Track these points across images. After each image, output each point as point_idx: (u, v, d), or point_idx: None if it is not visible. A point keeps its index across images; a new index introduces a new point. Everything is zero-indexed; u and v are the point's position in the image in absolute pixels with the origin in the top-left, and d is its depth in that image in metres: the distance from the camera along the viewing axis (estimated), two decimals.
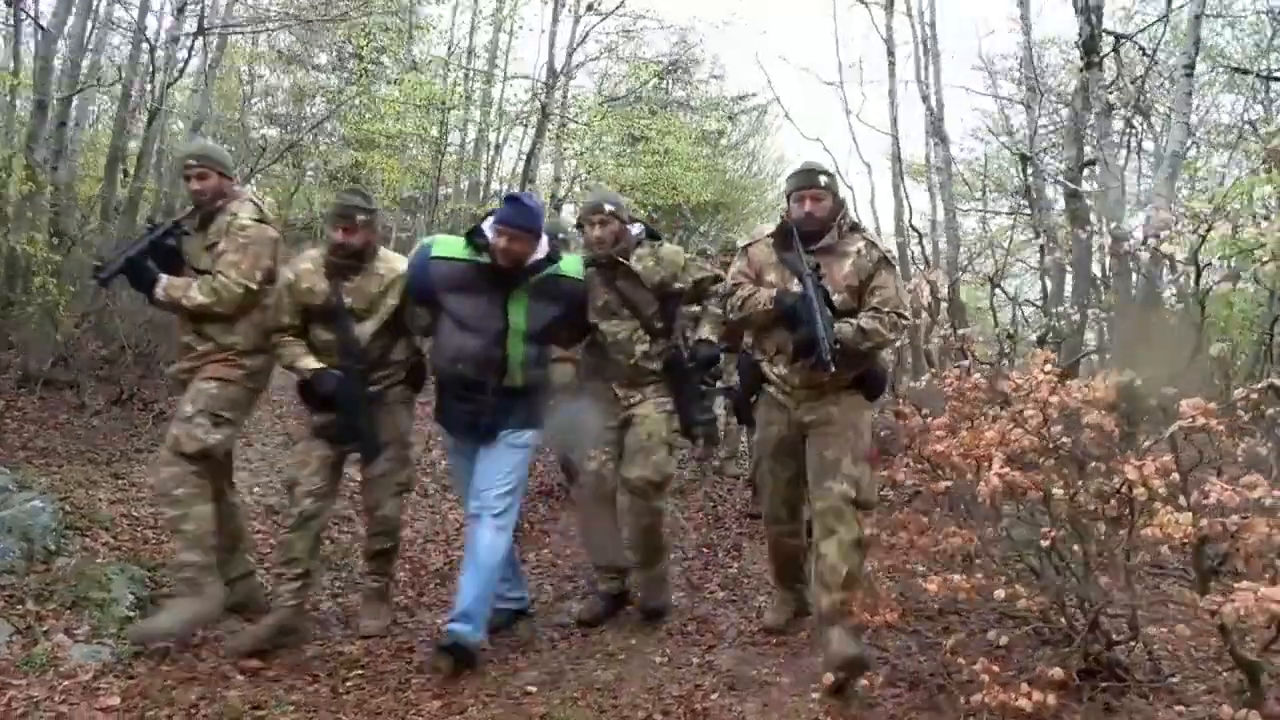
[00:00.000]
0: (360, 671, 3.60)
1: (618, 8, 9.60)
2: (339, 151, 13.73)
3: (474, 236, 3.65)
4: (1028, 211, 8.79)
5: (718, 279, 4.06)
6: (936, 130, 8.76)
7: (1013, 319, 8.04)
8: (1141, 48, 7.94)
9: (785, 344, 3.52)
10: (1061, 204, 7.81)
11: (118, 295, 6.78)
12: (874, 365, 3.65)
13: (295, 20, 8.63)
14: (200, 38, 7.33)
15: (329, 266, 3.83)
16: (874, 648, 3.82)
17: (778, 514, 3.96)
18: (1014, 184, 8.87)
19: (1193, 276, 4.22)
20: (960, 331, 5.01)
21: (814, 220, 3.54)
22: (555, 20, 8.88)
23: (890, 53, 8.50)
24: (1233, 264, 4.12)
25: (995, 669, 2.73)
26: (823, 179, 3.57)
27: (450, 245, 3.75)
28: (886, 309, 3.45)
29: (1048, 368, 2.79)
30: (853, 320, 3.40)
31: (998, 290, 8.30)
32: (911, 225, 8.40)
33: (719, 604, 4.57)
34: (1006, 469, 2.69)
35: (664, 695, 3.46)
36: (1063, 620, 3.22)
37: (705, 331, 3.96)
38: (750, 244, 3.78)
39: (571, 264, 3.87)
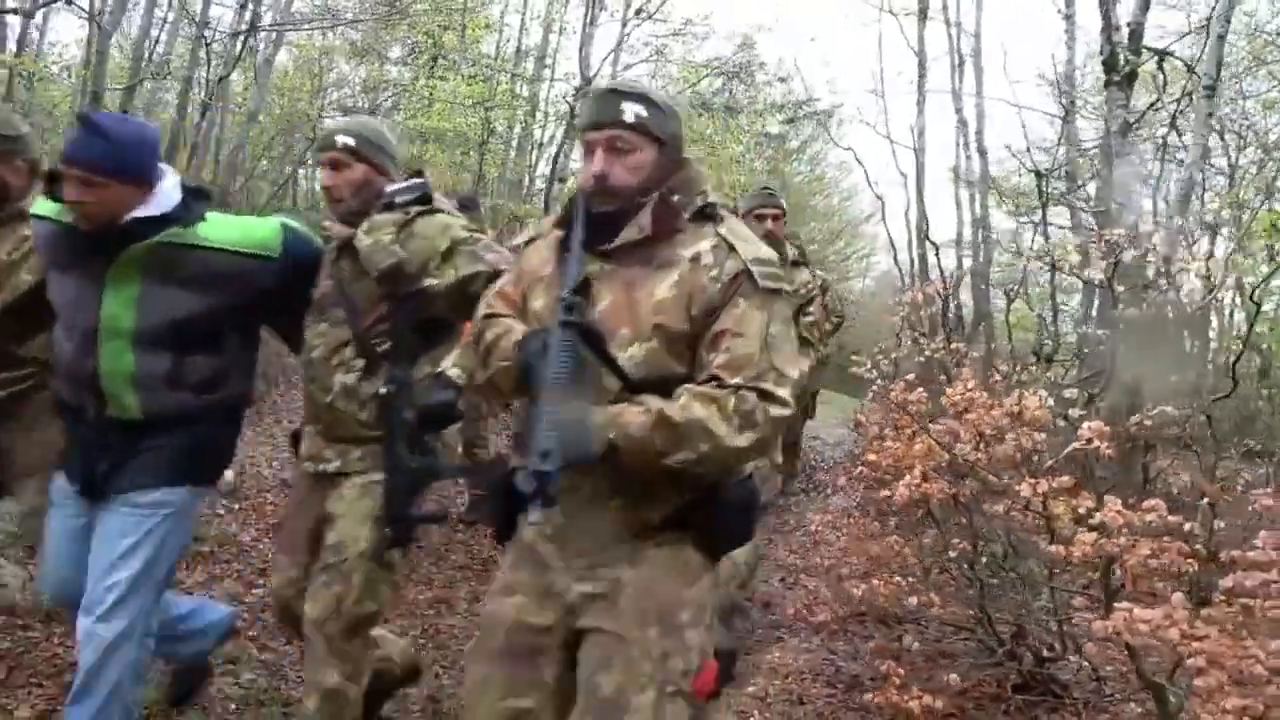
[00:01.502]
0: None
1: (655, 13, 9.76)
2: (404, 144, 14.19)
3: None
4: (1063, 226, 8.68)
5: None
6: (977, 142, 8.73)
7: (1039, 335, 7.95)
8: (1188, 65, 7.77)
9: None
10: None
11: None
12: (726, 488, 1.77)
13: (344, 21, 9.01)
14: (254, 34, 7.74)
15: None
16: (826, 649, 3.96)
17: None
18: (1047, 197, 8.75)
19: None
20: (954, 345, 5.03)
21: (607, 188, 1.75)
22: (588, 24, 9.05)
23: (921, 64, 8.48)
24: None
25: (900, 672, 2.82)
26: (627, 106, 1.72)
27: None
28: (735, 379, 1.64)
29: (971, 384, 2.85)
30: (651, 401, 1.63)
31: (1029, 306, 8.24)
32: (929, 237, 8.37)
33: None
34: (919, 480, 2.77)
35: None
36: (993, 633, 3.29)
37: (451, 362, 2.28)
38: (531, 239, 2.00)
39: (225, 226, 2.47)
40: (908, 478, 2.80)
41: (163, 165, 2.41)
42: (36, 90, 8.09)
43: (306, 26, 9.55)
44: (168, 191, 2.36)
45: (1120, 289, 3.55)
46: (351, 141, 2.44)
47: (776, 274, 1.71)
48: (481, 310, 1.93)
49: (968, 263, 8.94)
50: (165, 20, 8.91)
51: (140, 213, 2.29)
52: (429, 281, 2.39)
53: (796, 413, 6.30)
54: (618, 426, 1.58)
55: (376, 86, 14.67)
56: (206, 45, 7.50)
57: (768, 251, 1.74)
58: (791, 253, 3.76)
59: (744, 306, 1.67)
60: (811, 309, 3.76)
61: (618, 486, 1.69)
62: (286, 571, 2.53)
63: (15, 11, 6.19)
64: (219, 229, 2.43)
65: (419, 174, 2.57)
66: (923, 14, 8.47)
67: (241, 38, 7.29)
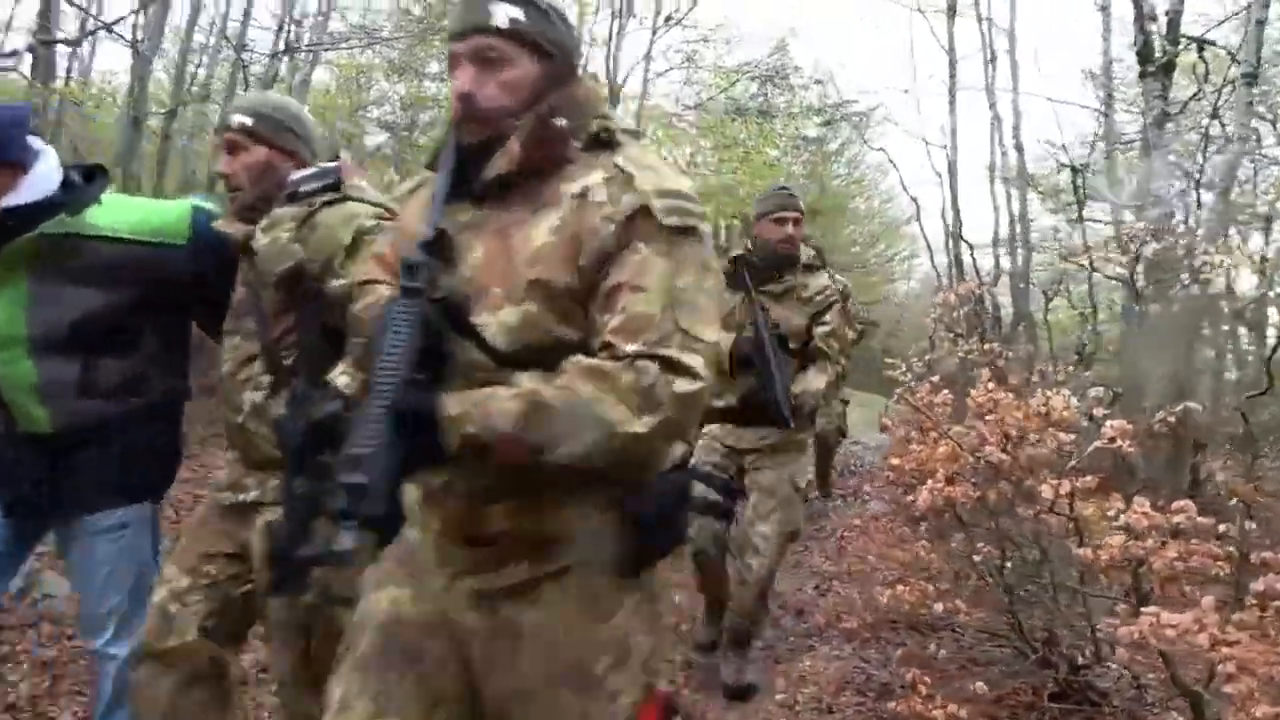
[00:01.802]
0: None
1: (681, 19, 9.78)
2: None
3: None
4: (1104, 221, 8.48)
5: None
6: (1014, 138, 8.59)
7: (1081, 334, 7.78)
8: (1230, 53, 7.56)
9: None
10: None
11: None
12: (644, 487, 1.41)
13: (378, 40, 9.16)
14: (291, 55, 7.93)
15: None
16: (857, 657, 3.92)
17: None
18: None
19: None
20: (987, 346, 4.95)
21: (475, 112, 1.38)
22: (615, 34, 9.11)
23: (952, 62, 8.37)
24: None
25: (926, 680, 2.78)
26: (498, 8, 1.39)
27: None
28: (631, 346, 1.28)
29: (993, 384, 2.80)
30: (525, 382, 1.27)
31: (1071, 304, 8.08)
32: (963, 237, 8.24)
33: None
34: (942, 485, 2.73)
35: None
36: (1025, 640, 3.22)
37: (341, 369, 1.68)
38: (415, 188, 1.64)
39: (122, 210, 2.21)
40: (930, 482, 2.75)
41: (41, 146, 2.13)
42: (85, 113, 8.36)
43: (341, 46, 9.73)
44: (44, 175, 2.08)
45: (1141, 283, 3.45)
46: (249, 120, 2.08)
47: (687, 208, 1.33)
48: (355, 278, 1.60)
49: (1006, 262, 8.79)
50: (206, 45, 9.18)
51: (9, 201, 2.02)
52: (333, 283, 1.94)
53: (833, 429, 5.88)
54: (477, 417, 1.20)
55: (414, 103, 14.92)
56: (244, 68, 7.70)
57: (678, 181, 1.37)
58: (807, 255, 3.57)
59: (645, 252, 1.29)
60: (828, 317, 3.45)
61: (502, 490, 1.33)
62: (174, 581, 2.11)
63: (63, 42, 6.42)
64: (114, 214, 2.16)
65: (337, 157, 2.18)
66: (952, 11, 8.37)
67: (278, 59, 7.47)
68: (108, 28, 6.24)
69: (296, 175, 2.03)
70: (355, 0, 13.29)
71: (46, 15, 7.03)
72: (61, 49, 8.07)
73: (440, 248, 1.33)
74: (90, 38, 6.89)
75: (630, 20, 9.50)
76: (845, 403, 5.83)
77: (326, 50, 9.32)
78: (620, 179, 1.33)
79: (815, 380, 3.35)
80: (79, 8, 6.69)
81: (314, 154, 2.16)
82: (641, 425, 1.23)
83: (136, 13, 7.57)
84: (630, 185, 1.32)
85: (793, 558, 5.60)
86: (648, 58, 10.76)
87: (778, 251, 3.45)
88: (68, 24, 8.06)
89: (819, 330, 3.43)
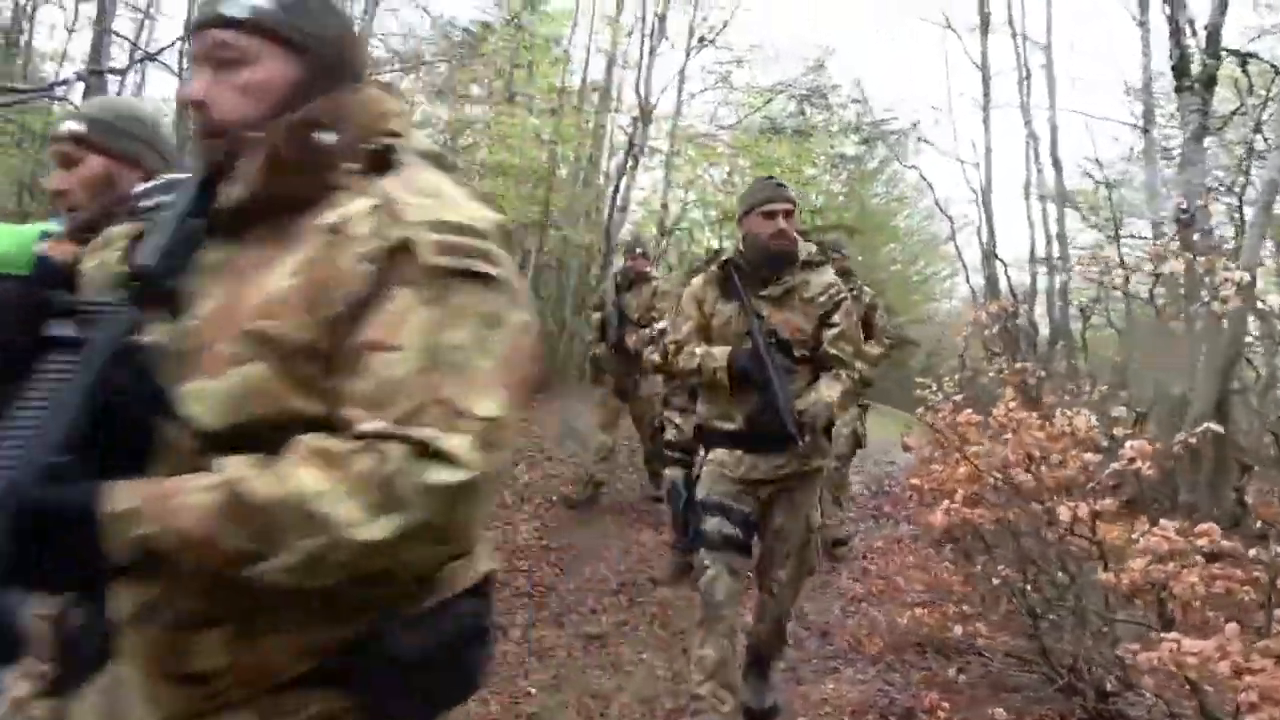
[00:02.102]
0: None
1: (714, 39, 9.83)
2: (476, 178, 14.60)
3: None
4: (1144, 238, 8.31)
5: None
6: (1051, 155, 8.48)
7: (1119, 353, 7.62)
8: (1275, 67, 7.40)
9: None
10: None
11: None
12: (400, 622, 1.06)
13: (415, 63, 9.33)
14: None
15: None
16: (881, 680, 3.85)
17: None
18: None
19: None
20: (1019, 364, 4.87)
21: (210, 124, 1.14)
22: (647, 53, 9.18)
23: (985, 79, 8.29)
24: None
25: (945, 705, 2.72)
26: None
27: None
28: (373, 424, 0.96)
29: (1014, 404, 2.76)
30: (232, 469, 0.95)
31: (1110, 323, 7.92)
32: (996, 255, 8.13)
33: (744, 627, 4.64)
34: (959, 505, 2.69)
35: (656, 707, 3.61)
36: (1050, 665, 3.15)
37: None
38: None
39: None
40: (945, 503, 2.71)
41: None
42: None
43: (379, 72, 9.92)
44: None
45: (1161, 301, 3.36)
46: (80, 127, 1.82)
47: (471, 245, 1.03)
48: None
49: (1043, 281, 8.64)
50: None
51: None
52: None
53: (847, 435, 5.70)
54: (155, 515, 0.91)
55: (464, 126, 15.15)
56: None
57: (467, 211, 1.07)
58: (807, 251, 3.13)
59: (402, 301, 0.99)
60: (837, 317, 2.98)
61: (216, 611, 1.00)
62: None
63: (110, 71, 6.65)
64: None
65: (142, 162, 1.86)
66: (984, 28, 8.31)
67: None
68: (151, 57, 6.46)
69: (140, 187, 1.64)
70: (397, 25, 13.58)
71: (98, 47, 7.30)
72: (114, 78, 8.37)
73: (154, 288, 1.05)
74: (138, 66, 7.13)
75: (663, 42, 9.59)
76: (864, 408, 5.42)
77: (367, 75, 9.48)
78: (386, 208, 1.03)
79: (827, 391, 2.92)
80: (125, 39, 6.94)
81: (168, 162, 1.87)
82: (378, 529, 0.90)
83: (182, 39, 7.82)
84: (396, 216, 1.03)
85: (820, 578, 5.53)
86: (681, 78, 10.82)
87: (771, 249, 3.03)
88: (121, 55, 8.37)
89: (827, 333, 3.01)
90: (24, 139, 6.60)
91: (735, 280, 3.06)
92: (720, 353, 3.00)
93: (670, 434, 5.27)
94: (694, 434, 3.37)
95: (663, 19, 8.93)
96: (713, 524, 3.07)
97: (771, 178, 3.37)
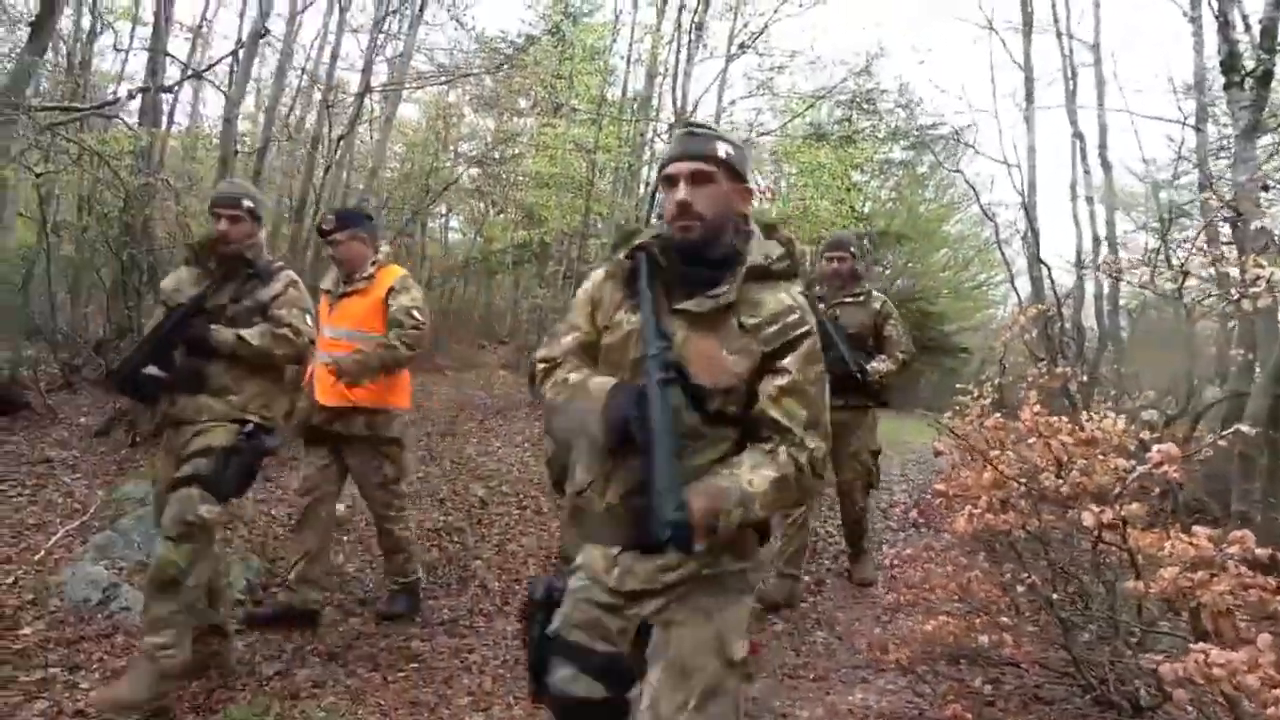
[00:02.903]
0: (415, 665, 3.97)
1: (752, 43, 9.80)
2: (522, 188, 14.76)
3: None
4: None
5: None
6: (1100, 155, 8.27)
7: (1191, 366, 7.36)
8: None
9: None
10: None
11: None
12: None
13: (454, 76, 9.50)
14: (370, 94, 8.30)
15: None
16: (911, 691, 3.77)
17: None
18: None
19: None
20: (1059, 370, 4.74)
21: None
22: (685, 61, 9.18)
23: (1028, 80, 8.11)
24: None
25: (968, 717, 2.66)
26: None
27: None
28: None
29: (1036, 408, 2.69)
30: None
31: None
32: (1040, 258, 7.91)
33: (774, 636, 4.58)
34: (981, 511, 2.62)
35: None
36: (1085, 677, 3.05)
37: None
38: None
39: None
40: (968, 509, 2.65)
41: None
42: (187, 152, 8.94)
43: (415, 84, 10.13)
44: None
45: (1187, 300, 3.25)
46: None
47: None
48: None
49: (1090, 285, 8.42)
50: (298, 86, 9.68)
51: None
52: None
53: (858, 477, 5.37)
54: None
55: (509, 138, 15.36)
56: (328, 108, 8.09)
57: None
58: (763, 252, 2.05)
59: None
60: (788, 361, 1.94)
61: None
62: None
63: (159, 89, 6.88)
64: None
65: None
66: (1028, 29, 8.12)
67: (359, 99, 7.84)
68: (199, 75, 6.69)
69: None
70: (443, 38, 13.85)
71: (153, 67, 7.56)
72: (169, 94, 8.66)
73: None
74: (189, 82, 7.39)
75: (701, 49, 9.58)
76: (876, 453, 5.26)
77: (405, 89, 9.70)
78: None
79: (750, 474, 1.85)
80: (173, 57, 7.18)
81: None
82: None
83: (235, 53, 8.07)
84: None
85: (854, 587, 5.45)
86: (721, 84, 10.82)
87: (673, 237, 1.98)
88: (176, 74, 8.67)
89: (769, 384, 1.93)
90: (83, 156, 6.84)
91: (645, 280, 2.00)
92: (600, 387, 1.94)
93: None
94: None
95: (700, 26, 8.93)
96: (561, 676, 2.01)
97: (691, 124, 2.19)
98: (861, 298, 5.17)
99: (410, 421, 4.34)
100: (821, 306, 4.96)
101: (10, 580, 4.14)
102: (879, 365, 4.88)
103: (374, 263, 4.26)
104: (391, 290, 4.21)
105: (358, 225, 4.26)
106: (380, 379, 4.16)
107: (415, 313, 4.18)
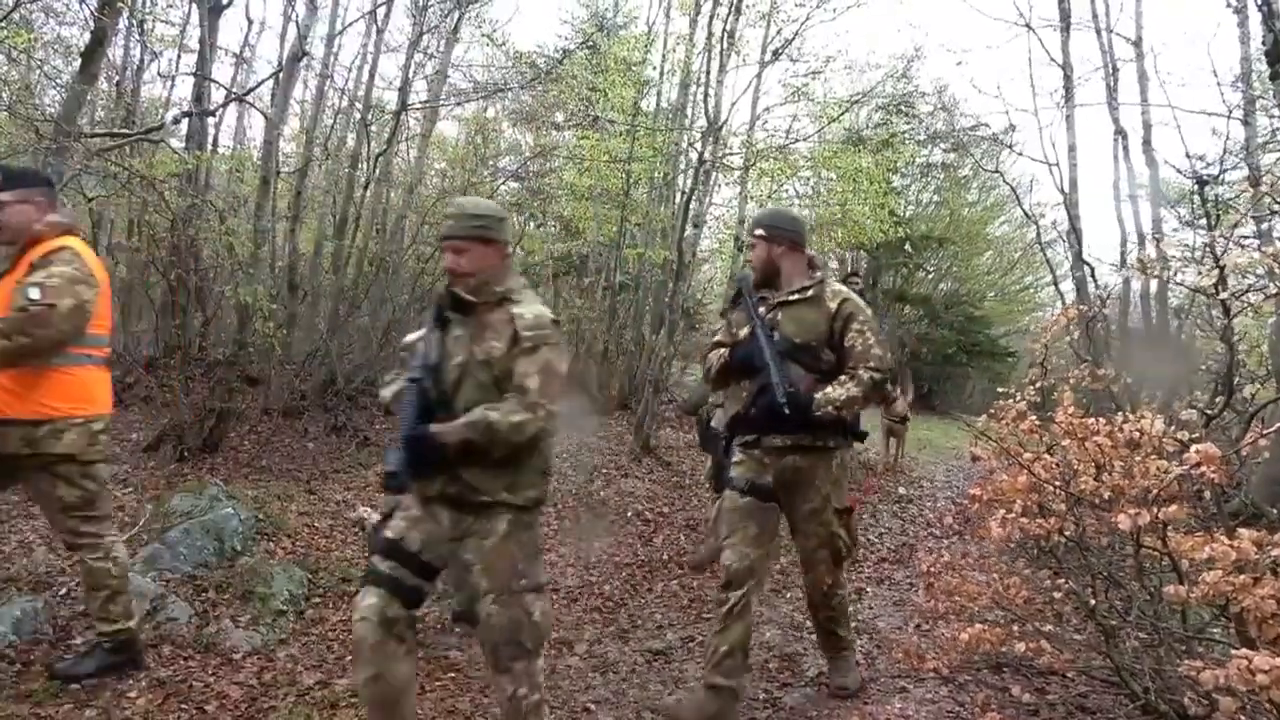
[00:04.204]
0: (452, 675, 4.00)
1: (784, 50, 9.78)
2: (559, 201, 14.89)
3: None
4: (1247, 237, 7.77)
5: None
6: (1144, 153, 8.09)
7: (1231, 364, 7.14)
8: None
9: None
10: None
11: (336, 335, 7.93)
12: None
13: (487, 92, 9.63)
14: (406, 112, 8.45)
15: None
16: (952, 700, 3.70)
17: None
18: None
19: None
20: (1101, 372, 4.64)
21: None
22: (718, 69, 9.18)
23: (1067, 77, 7.95)
24: None
25: None
26: None
27: None
28: None
29: (1071, 409, 2.63)
30: None
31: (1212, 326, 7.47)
32: (1083, 258, 7.74)
33: (813, 645, 4.53)
34: (1016, 515, 2.57)
35: None
36: (1129, 687, 2.97)
37: None
38: None
39: None
40: (1001, 514, 2.60)
41: None
42: (233, 173, 9.17)
43: (449, 102, 10.28)
44: None
45: (1225, 295, 3.14)
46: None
47: None
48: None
49: (1136, 285, 8.22)
50: (337, 107, 9.89)
51: None
52: None
53: (822, 545, 4.08)
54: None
55: (545, 151, 15.50)
56: (366, 127, 8.25)
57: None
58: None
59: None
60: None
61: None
62: None
63: (201, 113, 7.08)
64: None
65: None
66: (1065, 25, 7.98)
67: (396, 117, 7.98)
68: (241, 98, 6.89)
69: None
70: (480, 55, 14.03)
71: (199, 90, 7.79)
72: (213, 117, 8.91)
73: None
74: (233, 105, 7.59)
75: (733, 57, 9.58)
76: (844, 511, 3.66)
77: (441, 106, 9.86)
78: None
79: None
80: (217, 83, 7.39)
81: None
82: None
83: (275, 76, 8.27)
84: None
85: (894, 594, 5.38)
86: (756, 92, 10.82)
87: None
88: (221, 98, 8.91)
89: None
90: (131, 180, 7.06)
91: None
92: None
93: None
94: None
95: (732, 34, 8.93)
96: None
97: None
98: (810, 293, 3.62)
99: (103, 430, 3.48)
100: (763, 310, 3.59)
101: (64, 592, 4.26)
102: (831, 393, 3.33)
103: (39, 232, 3.37)
104: (32, 266, 3.32)
105: (31, 185, 3.44)
106: (16, 381, 3.29)
107: (39, 291, 3.24)
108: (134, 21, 8.84)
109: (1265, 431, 2.33)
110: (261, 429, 7.76)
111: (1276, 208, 4.30)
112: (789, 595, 5.25)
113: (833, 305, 3.50)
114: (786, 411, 3.24)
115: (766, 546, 3.54)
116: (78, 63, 6.49)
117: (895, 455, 9.50)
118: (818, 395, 3.31)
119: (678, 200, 10.57)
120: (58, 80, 9.73)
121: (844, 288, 3.63)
